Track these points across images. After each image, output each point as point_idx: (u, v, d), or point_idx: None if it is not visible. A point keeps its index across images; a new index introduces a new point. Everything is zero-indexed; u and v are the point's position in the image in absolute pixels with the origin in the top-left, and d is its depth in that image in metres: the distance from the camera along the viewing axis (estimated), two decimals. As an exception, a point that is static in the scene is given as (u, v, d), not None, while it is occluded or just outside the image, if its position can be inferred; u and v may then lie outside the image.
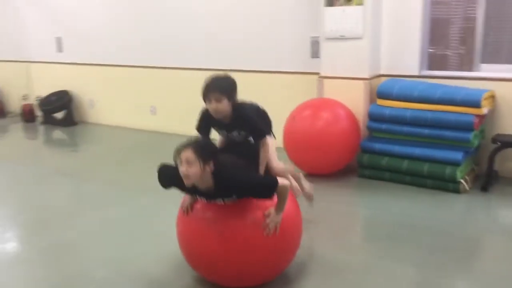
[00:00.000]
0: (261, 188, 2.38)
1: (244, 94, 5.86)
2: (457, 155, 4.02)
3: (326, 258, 3.01)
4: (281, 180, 2.40)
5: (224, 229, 2.40)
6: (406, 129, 4.26)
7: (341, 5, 4.60)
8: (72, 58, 7.18)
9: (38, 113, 7.38)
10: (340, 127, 4.42)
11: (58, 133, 7.00)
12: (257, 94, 5.72)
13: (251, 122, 2.69)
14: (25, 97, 7.61)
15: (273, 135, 2.98)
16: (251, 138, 2.78)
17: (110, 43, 6.73)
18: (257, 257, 2.47)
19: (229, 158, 2.51)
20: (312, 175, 4.54)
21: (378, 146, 4.40)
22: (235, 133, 2.74)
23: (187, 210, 2.50)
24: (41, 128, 7.20)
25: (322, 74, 4.87)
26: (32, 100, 7.52)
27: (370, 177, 4.48)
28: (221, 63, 5.63)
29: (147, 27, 6.34)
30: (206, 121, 2.73)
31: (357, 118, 4.57)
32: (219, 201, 2.40)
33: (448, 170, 4.02)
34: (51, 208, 4.03)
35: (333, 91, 4.77)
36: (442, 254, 3.04)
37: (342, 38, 4.65)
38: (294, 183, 3.29)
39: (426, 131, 4.16)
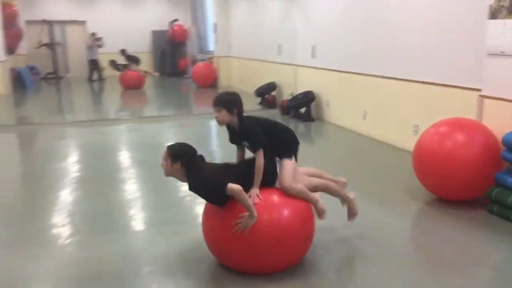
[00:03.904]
0: (209, 191, 2.89)
1: (405, 103, 5.89)
2: None
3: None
4: (230, 186, 2.78)
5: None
6: (536, 165, 3.55)
7: (503, 17, 4.08)
8: (320, 64, 8.32)
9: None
10: (472, 152, 4.01)
11: (299, 127, 8.30)
12: (419, 105, 5.60)
13: (248, 135, 3.11)
14: (291, 95, 9.21)
15: (294, 157, 3.19)
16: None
17: (345, 53, 7.51)
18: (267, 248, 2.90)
19: (216, 165, 3.09)
20: (441, 200, 4.31)
21: (510, 180, 3.78)
22: (245, 143, 3.20)
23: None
24: (291, 121, 8.65)
25: (483, 93, 4.40)
26: (287, 97, 9.07)
27: (498, 214, 3.91)
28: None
29: (370, 39, 6.83)
30: (229, 133, 3.28)
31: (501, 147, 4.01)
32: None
33: None
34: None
35: (493, 113, 4.29)
36: None
37: (503, 54, 4.11)
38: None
39: (557, 171, 3.38)
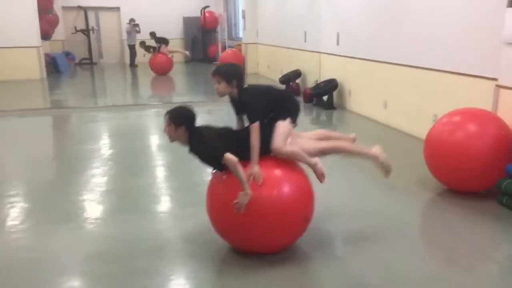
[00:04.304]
0: (208, 157, 2.96)
1: (425, 92, 5.98)
2: None
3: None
4: (227, 155, 2.83)
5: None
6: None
7: (522, 4, 3.97)
8: (343, 51, 8.25)
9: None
10: (483, 143, 3.94)
11: (321, 115, 8.28)
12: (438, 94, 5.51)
13: (245, 108, 3.12)
14: (315, 82, 9.18)
15: (292, 120, 3.14)
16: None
17: (368, 40, 7.42)
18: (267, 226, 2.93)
19: (217, 130, 3.09)
20: (452, 191, 4.27)
21: (519, 172, 3.72)
22: (244, 115, 3.21)
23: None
24: (312, 109, 8.63)
25: (500, 82, 4.30)
26: (311, 85, 9.04)
27: (507, 206, 3.85)
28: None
29: (391, 27, 6.73)
30: (232, 105, 3.29)
31: (515, 138, 3.93)
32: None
33: None
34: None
35: (508, 103, 4.21)
36: None
37: (520, 43, 4.01)
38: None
39: None
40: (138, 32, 16.25)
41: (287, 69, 10.50)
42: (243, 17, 14.23)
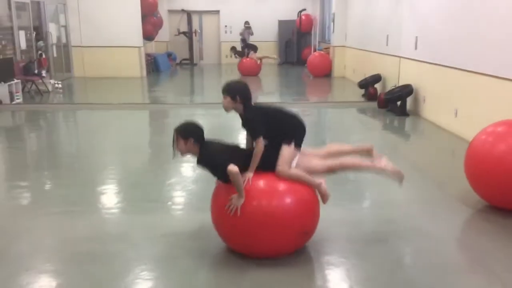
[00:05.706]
0: (215, 167, 3.12)
1: (497, 103, 5.72)
2: None
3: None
4: (230, 167, 2.97)
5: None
6: None
7: None
8: (420, 56, 7.94)
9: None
10: (526, 157, 3.68)
11: (393, 121, 8.05)
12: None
13: (247, 124, 3.27)
14: (394, 87, 8.93)
15: (296, 144, 3.23)
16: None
17: (444, 46, 7.09)
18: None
19: (226, 146, 3.30)
20: (494, 208, 4.01)
21: (562, 191, 3.41)
22: (247, 131, 3.34)
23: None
24: (385, 115, 8.38)
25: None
26: (389, 90, 8.79)
27: (549, 228, 3.54)
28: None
29: (468, 33, 6.38)
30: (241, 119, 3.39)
31: None
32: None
33: None
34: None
35: None
36: None
37: None
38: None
39: None
40: (251, 34, 16.86)
41: (370, 73, 10.32)
42: (333, 20, 14.18)
